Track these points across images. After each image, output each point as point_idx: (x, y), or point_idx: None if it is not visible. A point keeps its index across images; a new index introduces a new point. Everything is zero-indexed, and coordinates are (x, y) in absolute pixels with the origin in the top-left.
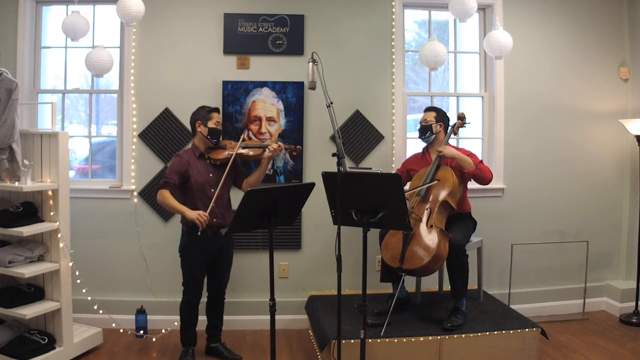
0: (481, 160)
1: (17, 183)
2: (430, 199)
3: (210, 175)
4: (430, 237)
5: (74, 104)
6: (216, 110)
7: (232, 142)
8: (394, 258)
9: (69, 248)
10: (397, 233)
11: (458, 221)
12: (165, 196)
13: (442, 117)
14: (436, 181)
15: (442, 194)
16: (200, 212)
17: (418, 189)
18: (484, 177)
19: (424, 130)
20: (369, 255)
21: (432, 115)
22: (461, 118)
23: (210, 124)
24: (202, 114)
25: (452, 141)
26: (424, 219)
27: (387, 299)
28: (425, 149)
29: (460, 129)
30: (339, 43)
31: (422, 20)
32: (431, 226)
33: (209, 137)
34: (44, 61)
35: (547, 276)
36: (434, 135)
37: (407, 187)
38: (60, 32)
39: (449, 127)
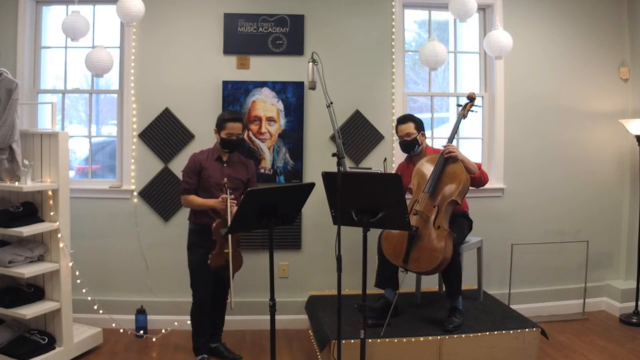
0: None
1: (17, 183)
2: (439, 197)
3: (225, 179)
4: (437, 240)
5: (74, 104)
6: (232, 120)
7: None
8: (397, 256)
9: (69, 248)
10: None
11: (453, 221)
12: (190, 199)
13: (419, 124)
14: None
15: (453, 192)
16: (221, 197)
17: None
18: (484, 180)
19: (411, 146)
20: (369, 255)
21: (412, 127)
22: (471, 98)
23: (223, 134)
24: (219, 120)
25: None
26: (432, 217)
27: (379, 299)
28: (410, 158)
29: (469, 112)
30: (339, 43)
31: (422, 20)
32: (438, 227)
33: (221, 145)
34: (44, 61)
35: (547, 276)
36: (420, 147)
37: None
38: (60, 32)
39: (459, 109)
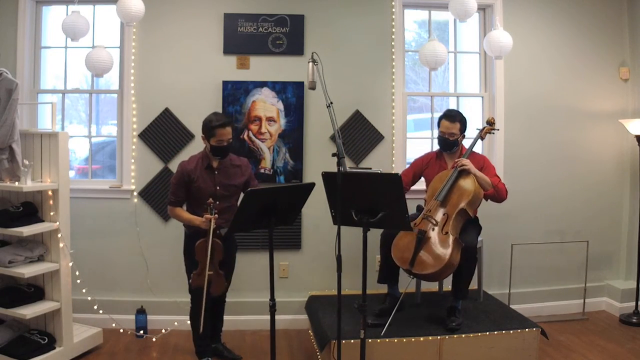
0: (498, 177)
1: (17, 183)
2: (449, 205)
3: (218, 188)
4: (443, 245)
5: (74, 104)
6: (221, 126)
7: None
8: (404, 260)
9: (69, 248)
10: (410, 234)
11: (468, 224)
12: (177, 213)
13: (464, 127)
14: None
15: (463, 202)
16: (205, 216)
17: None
18: (500, 198)
19: (450, 146)
20: (369, 255)
21: (457, 128)
22: (491, 123)
23: (213, 141)
24: (206, 127)
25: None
26: (440, 224)
27: (385, 299)
28: (440, 153)
29: (487, 134)
30: (339, 43)
31: (422, 20)
32: (446, 233)
33: (211, 153)
34: (44, 61)
35: (547, 276)
36: (457, 148)
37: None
38: (60, 32)
39: (477, 132)
